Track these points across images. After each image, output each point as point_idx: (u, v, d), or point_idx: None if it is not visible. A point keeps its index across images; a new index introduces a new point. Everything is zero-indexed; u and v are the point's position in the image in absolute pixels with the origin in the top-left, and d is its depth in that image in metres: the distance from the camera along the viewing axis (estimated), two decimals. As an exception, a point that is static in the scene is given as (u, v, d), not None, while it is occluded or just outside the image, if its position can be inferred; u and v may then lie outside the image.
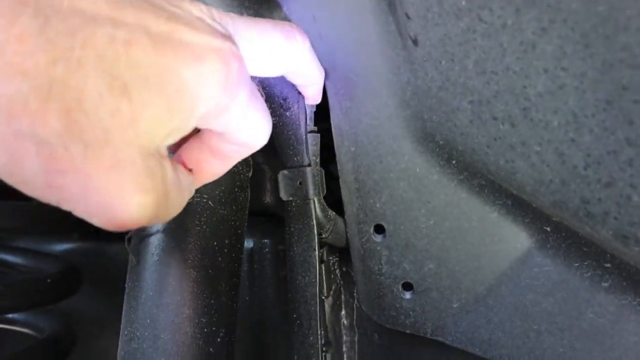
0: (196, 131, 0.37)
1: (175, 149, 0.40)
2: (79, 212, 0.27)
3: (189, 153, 0.39)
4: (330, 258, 0.71)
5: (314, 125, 0.55)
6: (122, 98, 0.26)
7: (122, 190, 0.27)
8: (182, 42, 0.29)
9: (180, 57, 0.28)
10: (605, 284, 0.45)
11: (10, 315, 0.79)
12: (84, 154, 0.25)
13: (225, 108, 0.32)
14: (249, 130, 0.37)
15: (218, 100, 0.31)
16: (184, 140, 0.39)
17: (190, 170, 0.38)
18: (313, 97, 0.52)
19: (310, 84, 0.50)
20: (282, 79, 0.53)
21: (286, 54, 0.41)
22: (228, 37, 0.33)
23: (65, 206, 0.27)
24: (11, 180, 0.26)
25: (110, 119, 0.25)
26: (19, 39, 0.23)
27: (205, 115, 0.31)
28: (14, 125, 0.24)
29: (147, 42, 0.27)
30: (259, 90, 0.38)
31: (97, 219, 0.27)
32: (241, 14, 0.50)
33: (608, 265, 0.44)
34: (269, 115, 0.39)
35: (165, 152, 0.31)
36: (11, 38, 0.23)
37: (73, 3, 0.25)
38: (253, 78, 0.39)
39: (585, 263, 0.46)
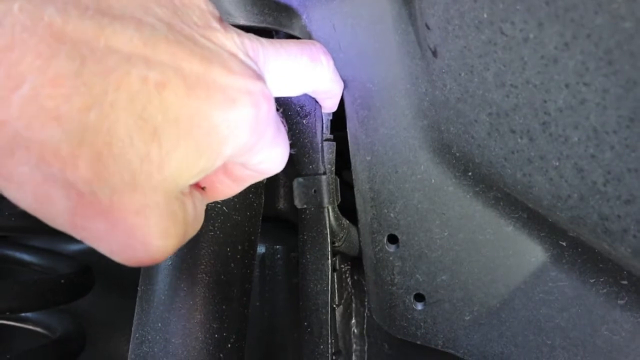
0: None
1: None
2: (102, 250, 0.27)
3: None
4: (343, 266, 0.71)
5: (330, 133, 0.55)
6: (152, 143, 0.25)
7: (145, 235, 0.27)
8: (215, 84, 0.28)
9: (213, 100, 0.28)
10: (621, 302, 0.45)
11: (23, 314, 0.79)
12: (111, 198, 0.25)
13: (251, 148, 0.32)
14: (268, 163, 0.37)
15: (246, 141, 0.31)
16: None
17: (203, 188, 0.38)
18: (330, 107, 0.53)
19: (329, 98, 0.51)
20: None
21: (311, 76, 0.42)
22: (259, 77, 0.32)
23: (89, 243, 0.27)
24: (36, 215, 0.26)
25: (139, 163, 0.25)
26: (54, 81, 0.22)
27: (231, 155, 0.31)
28: (43, 169, 0.23)
29: (180, 85, 0.26)
30: (282, 122, 0.38)
31: (118, 257, 0.28)
32: (262, 22, 0.50)
33: (625, 282, 0.44)
34: (288, 145, 0.39)
35: (187, 190, 0.31)
36: (46, 81, 0.22)
37: (109, 41, 0.24)
38: (277, 107, 0.39)
39: (601, 279, 0.45)
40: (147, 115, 0.25)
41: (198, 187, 0.37)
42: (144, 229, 0.26)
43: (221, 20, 0.33)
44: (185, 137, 0.27)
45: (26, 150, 0.23)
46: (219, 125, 0.28)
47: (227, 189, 0.39)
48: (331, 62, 0.43)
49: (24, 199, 0.25)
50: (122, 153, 0.24)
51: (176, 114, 0.26)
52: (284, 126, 0.39)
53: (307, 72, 0.41)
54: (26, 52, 0.22)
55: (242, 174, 0.38)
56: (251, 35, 0.35)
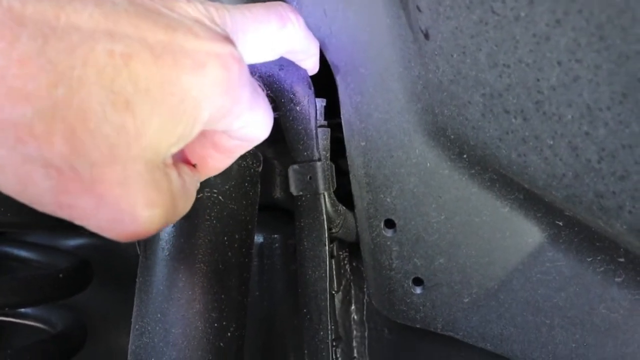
0: None
1: None
2: (92, 227, 0.27)
3: (192, 150, 0.39)
4: (341, 253, 0.71)
5: (324, 120, 0.55)
6: (125, 114, 0.25)
7: (131, 206, 0.27)
8: (181, 50, 0.28)
9: (181, 66, 0.28)
10: (619, 279, 0.45)
11: (22, 310, 0.79)
12: (91, 173, 0.25)
13: (229, 111, 0.32)
14: (251, 127, 0.37)
15: (221, 104, 0.31)
16: None
17: (194, 165, 0.38)
18: (311, 67, 0.52)
19: (306, 58, 0.50)
20: (291, 73, 0.52)
21: (282, 38, 0.41)
22: (227, 40, 0.32)
23: (78, 222, 0.27)
24: (22, 199, 0.26)
25: (116, 135, 0.25)
26: (19, 61, 0.23)
27: (208, 121, 0.31)
28: (20, 149, 0.24)
29: (146, 54, 0.26)
30: (260, 87, 0.38)
31: (109, 233, 0.28)
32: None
33: (622, 259, 0.44)
34: (270, 109, 0.39)
35: (170, 160, 0.31)
36: (12, 62, 0.23)
37: (70, 19, 0.24)
38: (253, 73, 0.39)
39: (598, 258, 0.45)
40: (118, 88, 0.25)
41: (189, 164, 0.37)
42: (128, 199, 0.27)
43: None
44: (158, 106, 0.27)
45: (1, 131, 0.23)
46: (191, 90, 0.28)
47: (218, 162, 0.40)
48: (301, 20, 0.43)
49: (6, 182, 0.25)
50: (97, 126, 0.25)
51: (146, 83, 0.26)
52: (263, 90, 0.39)
53: (278, 33, 0.40)
54: None
55: (229, 144, 0.38)
56: (216, 3, 0.35)
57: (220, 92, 0.30)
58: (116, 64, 0.25)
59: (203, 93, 0.29)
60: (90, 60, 0.24)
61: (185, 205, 0.33)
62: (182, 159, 0.38)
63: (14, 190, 0.26)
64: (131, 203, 0.27)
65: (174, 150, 0.30)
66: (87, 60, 0.24)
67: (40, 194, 0.25)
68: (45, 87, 0.23)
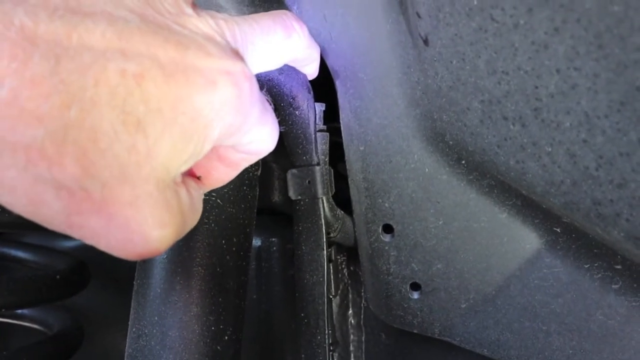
0: None
1: None
2: (102, 247, 0.27)
3: (197, 163, 0.38)
4: (339, 257, 0.71)
5: (323, 124, 0.55)
6: (137, 134, 0.25)
7: (141, 226, 0.27)
8: (193, 69, 0.28)
9: (193, 84, 0.28)
10: (616, 286, 0.45)
11: (19, 311, 0.79)
12: (102, 193, 0.25)
13: (238, 128, 0.32)
14: (259, 142, 0.37)
15: (231, 122, 0.31)
16: None
17: (198, 178, 0.38)
18: (311, 73, 0.52)
19: (308, 64, 0.50)
20: (290, 77, 0.52)
21: (288, 47, 0.41)
22: (238, 56, 0.32)
23: (88, 242, 0.27)
24: (33, 219, 0.26)
25: (127, 156, 0.25)
26: (32, 82, 0.23)
27: (218, 138, 0.31)
28: (31, 170, 0.23)
29: (158, 73, 0.26)
30: (267, 101, 0.38)
31: (119, 253, 0.28)
32: (253, 12, 0.50)
33: (619, 267, 0.44)
34: (277, 123, 0.39)
35: (179, 179, 0.31)
36: (25, 82, 0.22)
37: (82, 38, 0.24)
38: (261, 86, 0.39)
39: (596, 264, 0.45)
40: (129, 108, 0.25)
41: (193, 176, 0.37)
42: (139, 220, 0.26)
43: (194, 5, 0.32)
44: (170, 125, 0.27)
45: (12, 152, 0.23)
46: (203, 109, 0.28)
47: (223, 175, 0.39)
48: (305, 29, 0.43)
49: (17, 203, 0.25)
50: (108, 147, 0.24)
51: (158, 103, 0.26)
52: (270, 104, 0.39)
53: (284, 42, 0.40)
54: (1, 57, 0.22)
55: (235, 157, 0.38)
56: (225, 16, 0.35)
57: (231, 110, 0.30)
58: (128, 84, 0.25)
59: (214, 111, 0.29)
60: (102, 80, 0.24)
61: (193, 220, 0.33)
62: (187, 172, 0.38)
63: (25, 211, 0.25)
64: (142, 223, 0.27)
65: (184, 168, 0.30)
66: (99, 81, 0.24)
67: (52, 214, 0.25)
68: (58, 108, 0.23)
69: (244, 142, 0.35)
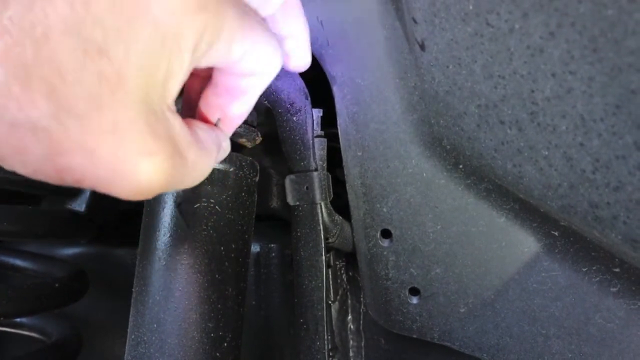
0: (205, 82, 0.36)
1: (192, 107, 0.38)
2: (98, 187, 0.27)
3: (207, 104, 0.36)
4: (337, 263, 0.71)
5: (321, 130, 0.55)
6: (101, 60, 0.24)
7: (126, 155, 0.26)
8: None
9: None
10: (614, 289, 0.45)
11: (18, 320, 0.79)
12: (80, 126, 0.24)
13: (214, 32, 0.29)
14: (254, 55, 0.33)
15: (202, 25, 0.28)
16: (197, 95, 0.37)
17: (215, 124, 0.36)
18: (302, 58, 0.43)
19: (292, 35, 0.42)
20: (287, 83, 0.53)
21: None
22: None
23: (83, 185, 0.26)
24: (24, 172, 0.26)
25: (97, 83, 0.24)
26: None
27: (196, 49, 0.29)
28: (5, 115, 0.23)
29: None
30: (250, 9, 0.34)
31: (113, 190, 0.27)
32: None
33: (617, 269, 0.44)
34: (273, 34, 0.35)
35: (173, 107, 0.29)
36: None
37: None
38: None
39: (594, 267, 0.45)
40: (86, 35, 0.24)
41: (210, 123, 0.36)
42: (122, 148, 0.25)
43: None
44: (132, 43, 0.25)
45: None
46: (159, 18, 0.26)
47: (238, 108, 0.37)
48: None
49: (6, 156, 0.25)
50: (76, 79, 0.24)
51: (112, 23, 0.25)
52: (257, 14, 0.35)
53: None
54: None
55: (243, 84, 0.35)
56: None
57: (194, 8, 0.27)
58: (77, 11, 0.24)
59: (176, 16, 0.26)
60: (50, 13, 0.23)
61: (200, 161, 0.31)
62: (200, 119, 0.37)
63: (12, 162, 0.25)
64: (126, 152, 0.25)
65: (171, 90, 0.28)
66: (47, 14, 0.23)
67: (38, 161, 0.25)
68: (12, 48, 0.23)
69: (236, 57, 0.32)
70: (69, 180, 0.26)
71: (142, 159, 0.26)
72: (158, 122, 0.27)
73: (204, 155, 0.32)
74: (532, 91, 0.38)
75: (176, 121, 0.29)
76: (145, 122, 0.26)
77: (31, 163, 0.25)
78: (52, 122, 0.24)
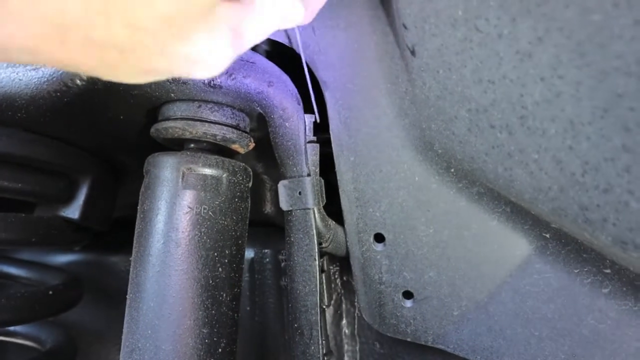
0: None
1: None
2: (177, 75, 0.32)
3: None
4: (331, 267, 0.71)
5: (313, 136, 0.55)
6: None
7: (197, 55, 0.31)
8: None
9: None
10: (605, 290, 0.45)
11: (12, 328, 0.78)
12: (155, 40, 0.29)
13: None
14: None
15: None
16: None
17: None
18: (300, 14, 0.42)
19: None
20: (280, 89, 0.53)
21: None
22: None
23: (162, 78, 0.32)
24: (117, 80, 0.31)
25: (167, 3, 0.27)
26: None
27: None
28: (95, 40, 0.27)
29: None
30: None
31: (193, 76, 0.33)
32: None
33: (608, 271, 0.45)
34: None
35: None
36: None
37: None
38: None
39: (585, 269, 0.46)
40: None
41: None
42: (193, 48, 0.31)
43: None
44: None
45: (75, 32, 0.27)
46: None
47: None
48: None
49: (98, 72, 0.30)
50: (145, 2, 0.27)
51: None
52: None
53: None
54: None
55: None
56: None
57: None
58: None
59: None
60: None
61: (255, 27, 0.35)
62: None
63: (107, 74, 0.30)
64: (196, 51, 0.31)
65: None
66: None
67: (126, 72, 0.31)
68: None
69: None
70: (151, 79, 0.32)
71: (209, 53, 0.32)
72: (213, 19, 0.31)
73: (261, 21, 0.36)
74: (522, 95, 0.38)
75: (230, 9, 0.33)
76: (204, 22, 0.31)
77: (121, 73, 0.30)
78: (130, 43, 0.28)
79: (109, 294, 0.88)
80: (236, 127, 0.55)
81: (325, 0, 0.41)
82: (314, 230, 0.55)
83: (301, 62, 0.53)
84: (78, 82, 0.53)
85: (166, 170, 0.52)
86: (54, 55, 0.28)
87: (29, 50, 0.27)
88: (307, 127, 0.54)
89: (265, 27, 0.36)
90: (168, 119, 0.55)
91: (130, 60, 0.29)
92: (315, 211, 0.55)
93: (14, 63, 0.28)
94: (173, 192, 0.51)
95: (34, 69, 0.54)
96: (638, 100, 0.33)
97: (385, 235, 0.54)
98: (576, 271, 0.46)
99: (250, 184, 0.57)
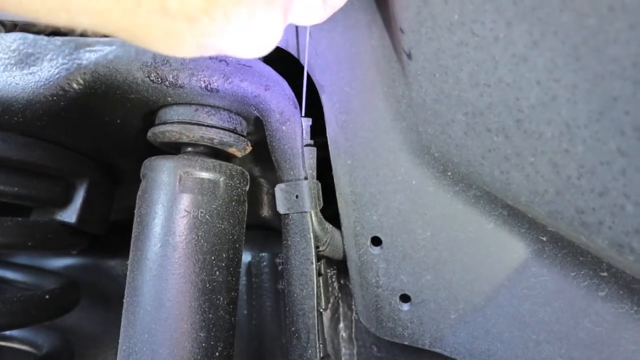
0: None
1: None
2: (231, 52, 0.34)
3: None
4: (328, 271, 0.71)
5: (310, 139, 0.56)
6: None
7: (259, 36, 0.33)
8: None
9: None
10: (602, 293, 0.45)
11: (8, 332, 0.78)
12: (224, 16, 0.30)
13: None
14: None
15: None
16: None
17: None
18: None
19: None
20: (277, 93, 0.53)
21: None
22: None
23: (213, 53, 0.33)
24: (171, 53, 0.32)
25: None
26: None
27: None
28: (169, 11, 0.28)
29: None
30: None
31: (248, 56, 0.36)
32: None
33: (604, 274, 0.45)
34: None
35: None
36: None
37: None
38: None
39: (582, 272, 0.46)
40: None
41: None
42: (256, 30, 0.33)
43: None
44: None
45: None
46: None
47: None
48: None
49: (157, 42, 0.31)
50: None
51: None
52: None
53: None
54: None
55: None
56: None
57: None
58: None
59: None
60: None
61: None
62: None
63: (164, 47, 0.32)
64: (260, 33, 0.33)
65: None
66: None
67: (187, 43, 0.31)
68: None
69: None
70: (204, 53, 0.33)
71: (267, 35, 0.34)
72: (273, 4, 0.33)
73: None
74: (518, 99, 0.38)
75: None
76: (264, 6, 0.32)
77: (181, 46, 0.31)
78: (203, 14, 0.29)
79: (106, 297, 0.87)
80: (233, 131, 0.55)
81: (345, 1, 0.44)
82: (311, 234, 0.55)
83: (298, 66, 0.54)
84: (75, 86, 0.53)
85: (163, 174, 0.52)
86: (122, 21, 0.29)
87: (100, 13, 0.27)
88: (304, 131, 0.54)
89: (305, 10, 0.39)
90: (165, 122, 0.55)
91: (195, 32, 0.30)
92: (312, 214, 0.55)
93: (73, 28, 0.28)
94: (170, 196, 0.51)
95: (31, 74, 0.54)
96: (633, 103, 0.33)
97: (382, 239, 0.54)
98: (573, 274, 0.46)
99: (247, 188, 0.57)
